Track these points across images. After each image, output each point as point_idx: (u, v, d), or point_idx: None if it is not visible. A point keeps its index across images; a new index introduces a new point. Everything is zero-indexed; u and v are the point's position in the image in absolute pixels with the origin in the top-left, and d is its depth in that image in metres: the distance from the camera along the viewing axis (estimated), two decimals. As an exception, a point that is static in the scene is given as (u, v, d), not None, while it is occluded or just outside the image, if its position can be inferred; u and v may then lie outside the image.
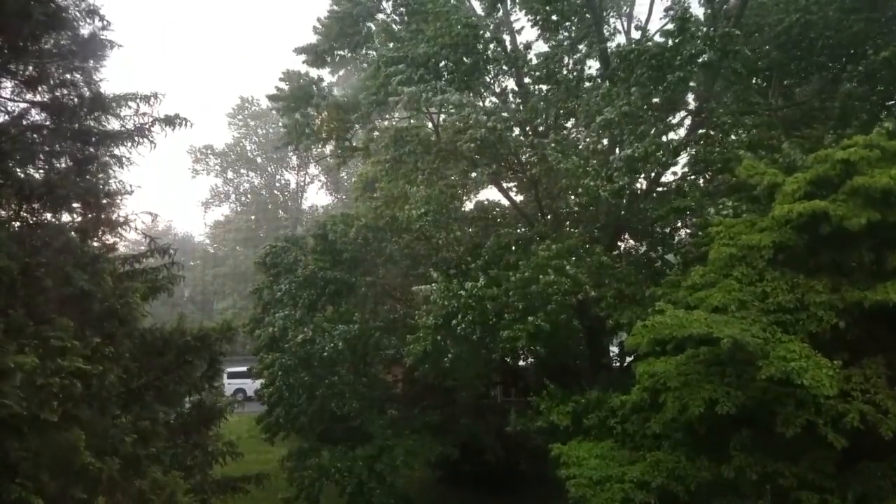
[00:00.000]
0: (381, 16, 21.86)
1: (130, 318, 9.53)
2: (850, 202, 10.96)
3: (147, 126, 10.38)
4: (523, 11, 20.31)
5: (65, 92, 9.61)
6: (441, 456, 19.04)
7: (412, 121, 21.64)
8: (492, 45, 19.40)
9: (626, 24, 20.73)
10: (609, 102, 16.19)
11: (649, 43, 17.32)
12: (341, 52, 22.96)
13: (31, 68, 9.43)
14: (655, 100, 16.77)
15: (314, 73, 23.30)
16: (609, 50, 18.33)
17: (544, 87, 20.44)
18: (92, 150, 10.03)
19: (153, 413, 10.07)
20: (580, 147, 18.47)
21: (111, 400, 8.79)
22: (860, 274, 11.44)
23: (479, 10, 20.90)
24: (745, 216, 13.32)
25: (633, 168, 16.13)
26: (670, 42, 16.22)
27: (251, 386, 30.67)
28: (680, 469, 11.94)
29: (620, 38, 20.26)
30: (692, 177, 19.16)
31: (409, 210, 18.38)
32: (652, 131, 16.45)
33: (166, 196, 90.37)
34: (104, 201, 10.01)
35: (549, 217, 20.04)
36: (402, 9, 20.94)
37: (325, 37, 22.61)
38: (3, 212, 9.44)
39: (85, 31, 9.72)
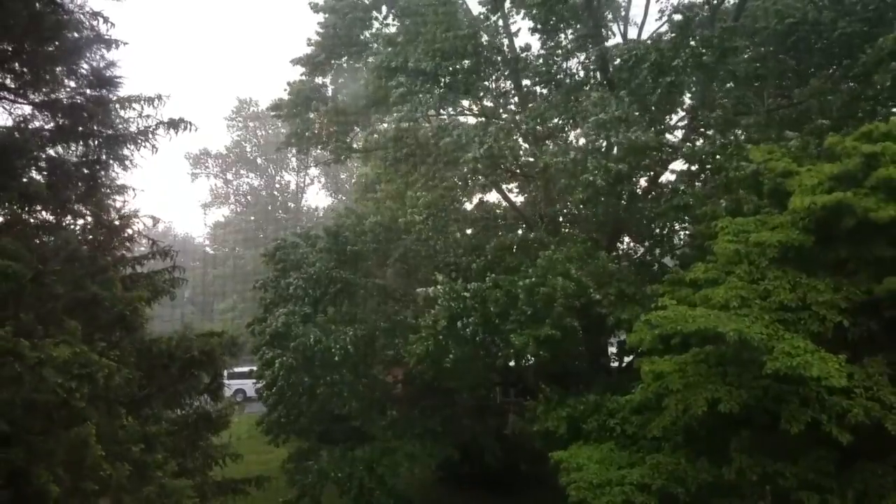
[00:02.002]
0: (376, 24, 21.96)
1: (137, 325, 9.59)
2: (874, 195, 10.93)
3: (151, 129, 10.41)
4: (520, 14, 20.38)
5: (68, 93, 9.67)
6: (441, 458, 19.07)
7: (411, 123, 21.69)
8: (490, 50, 19.47)
9: (622, 26, 20.82)
10: (602, 108, 16.28)
11: (649, 42, 17.38)
12: (338, 62, 23.11)
13: (36, 71, 9.49)
14: (652, 101, 16.80)
15: (316, 79, 23.47)
16: (607, 53, 18.42)
17: (543, 90, 20.55)
18: (97, 153, 10.07)
19: (159, 421, 10.15)
20: (577, 145, 18.57)
21: (118, 402, 8.87)
22: (865, 273, 11.43)
23: (475, 10, 20.95)
24: (758, 214, 13.31)
25: (630, 154, 16.11)
26: (667, 44, 16.31)
27: (252, 386, 30.69)
28: (680, 471, 11.94)
29: (617, 40, 20.41)
30: (688, 177, 19.26)
31: (410, 215, 18.41)
32: (648, 132, 16.48)
33: (166, 197, 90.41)
34: (109, 206, 10.09)
35: (547, 220, 20.10)
36: (396, 14, 21.00)
37: (320, 48, 22.71)
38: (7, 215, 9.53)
39: (90, 33, 9.75)
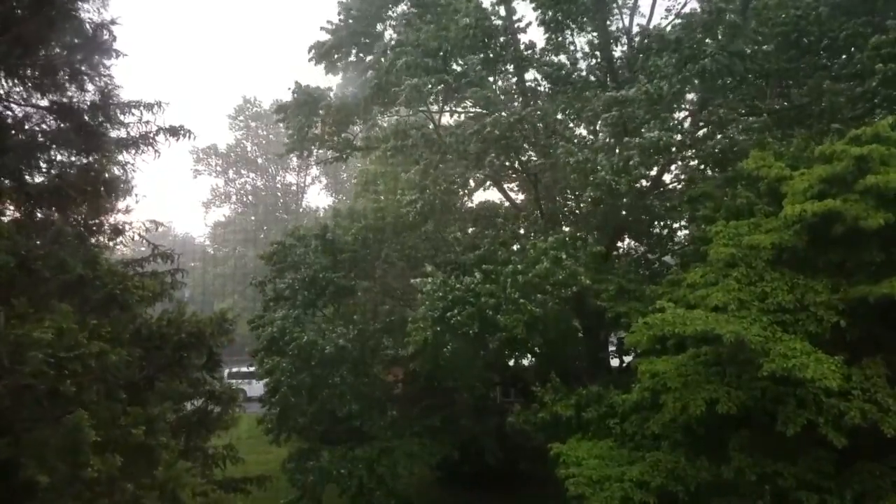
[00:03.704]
0: (395, 12, 21.97)
1: (131, 303, 9.55)
2: (863, 201, 10.89)
3: (151, 135, 10.50)
4: (526, 4, 20.37)
5: (71, 96, 9.73)
6: (441, 457, 19.12)
7: (413, 118, 21.69)
8: (501, 39, 19.47)
9: (628, 21, 20.83)
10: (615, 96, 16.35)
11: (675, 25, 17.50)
12: (352, 53, 23.04)
13: (38, 73, 9.55)
14: (668, 91, 16.82)
15: (321, 82, 23.46)
16: (615, 49, 18.56)
17: (549, 88, 20.57)
18: (96, 153, 10.13)
19: (159, 404, 10.14)
20: (588, 144, 18.59)
21: (118, 384, 8.87)
22: (862, 275, 11.43)
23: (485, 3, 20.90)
24: (754, 212, 13.32)
25: (647, 157, 16.12)
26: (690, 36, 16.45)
27: (252, 387, 30.71)
28: (679, 469, 11.98)
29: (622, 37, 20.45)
30: (691, 173, 19.34)
31: (400, 196, 18.32)
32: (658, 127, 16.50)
33: (166, 197, 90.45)
34: (107, 204, 10.11)
35: (547, 218, 20.14)
36: (413, 9, 21.02)
37: (335, 36, 22.64)
38: (9, 211, 9.58)
39: (95, 39, 9.82)
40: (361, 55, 23.01)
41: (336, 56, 23.02)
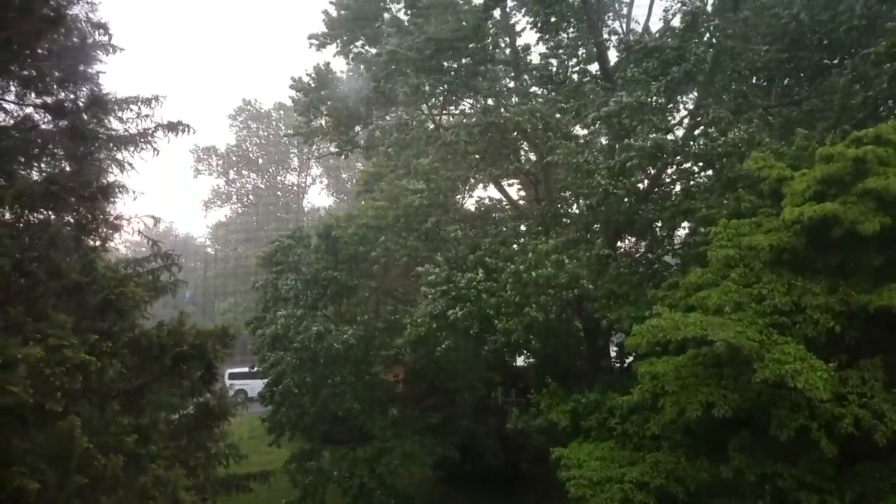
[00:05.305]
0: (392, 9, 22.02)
1: (128, 309, 9.47)
2: (861, 204, 10.78)
3: (150, 131, 10.44)
4: (522, 12, 20.38)
5: (65, 95, 9.70)
6: (441, 457, 19.10)
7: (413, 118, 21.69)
8: (494, 42, 19.48)
9: (624, 26, 20.83)
10: (609, 98, 16.27)
11: (657, 38, 17.48)
12: (356, 44, 23.02)
13: (32, 72, 9.53)
14: (655, 98, 16.77)
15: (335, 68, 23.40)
16: (608, 46, 18.53)
17: (544, 90, 20.54)
18: (92, 151, 10.09)
19: (153, 413, 10.10)
20: (583, 143, 18.57)
21: (111, 396, 8.81)
22: (861, 276, 11.35)
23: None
24: (757, 214, 13.28)
25: (644, 161, 16.09)
26: (672, 41, 16.36)
27: (253, 387, 30.69)
28: (679, 470, 11.98)
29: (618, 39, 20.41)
30: (688, 175, 19.28)
31: (406, 183, 18.43)
32: (653, 131, 16.49)
33: (167, 197, 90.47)
34: (102, 200, 10.06)
35: (549, 216, 20.11)
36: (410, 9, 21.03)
37: (335, 29, 22.61)
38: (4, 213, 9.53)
39: (88, 37, 9.80)
40: (366, 48, 22.96)
41: (335, 43, 22.90)
